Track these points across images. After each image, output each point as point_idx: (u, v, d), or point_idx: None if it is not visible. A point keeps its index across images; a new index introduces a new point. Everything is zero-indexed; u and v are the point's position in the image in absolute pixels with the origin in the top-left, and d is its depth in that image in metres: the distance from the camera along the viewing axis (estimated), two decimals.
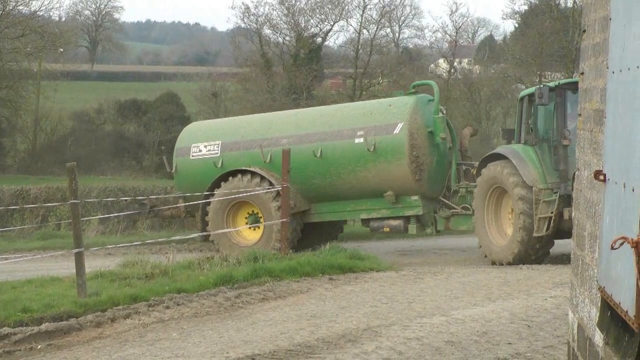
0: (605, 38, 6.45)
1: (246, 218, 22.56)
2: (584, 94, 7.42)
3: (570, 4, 50.65)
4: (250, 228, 22.42)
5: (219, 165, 22.97)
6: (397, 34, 67.36)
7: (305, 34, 55.90)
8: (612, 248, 5.18)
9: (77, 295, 14.40)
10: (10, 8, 52.38)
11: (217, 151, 23.27)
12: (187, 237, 23.41)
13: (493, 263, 19.68)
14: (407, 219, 21.99)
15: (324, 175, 22.15)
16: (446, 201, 22.07)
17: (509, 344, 10.66)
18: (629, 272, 5.12)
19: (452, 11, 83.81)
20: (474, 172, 21.06)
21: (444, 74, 57.30)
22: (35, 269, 18.42)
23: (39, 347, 12.45)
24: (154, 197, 25.92)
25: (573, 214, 7.87)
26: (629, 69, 5.47)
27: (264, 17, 56.36)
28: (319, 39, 57.26)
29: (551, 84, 19.94)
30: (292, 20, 55.98)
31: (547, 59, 51.44)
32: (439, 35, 66.50)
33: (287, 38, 56.46)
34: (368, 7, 57.32)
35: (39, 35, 52.95)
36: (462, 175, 22.36)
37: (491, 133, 51.48)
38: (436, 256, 22.69)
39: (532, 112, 19.75)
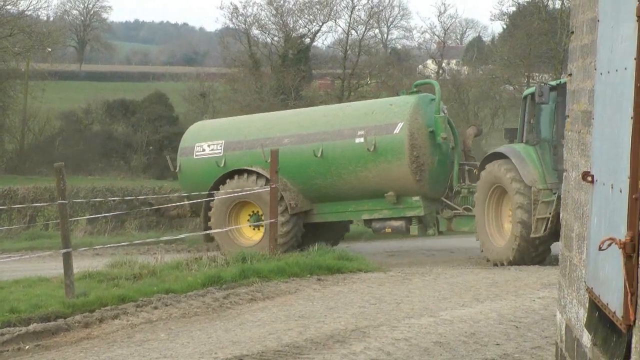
0: (593, 39, 6.47)
1: (249, 218, 22.47)
2: (572, 95, 7.44)
3: (558, 5, 50.83)
4: (252, 228, 22.31)
5: (222, 165, 22.91)
6: (385, 35, 67.48)
7: (293, 34, 55.94)
8: (600, 249, 5.20)
9: (65, 295, 14.37)
10: None
11: (220, 151, 23.21)
12: (176, 237, 23.38)
13: (494, 264, 19.31)
14: (409, 219, 21.82)
15: (325, 176, 22.05)
16: (448, 202, 21.86)
17: (497, 344, 10.68)
18: (616, 272, 5.13)
19: (440, 12, 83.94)
20: (477, 173, 20.84)
21: (432, 75, 57.39)
22: (23, 270, 18.37)
23: (27, 347, 12.43)
24: (154, 196, 25.93)
25: (561, 215, 7.88)
26: (616, 70, 5.49)
27: (252, 18, 56.45)
28: (308, 40, 57.34)
29: (552, 83, 19.61)
30: (281, 21, 56.02)
31: (535, 60, 51.60)
32: (428, 36, 66.84)
33: (276, 38, 56.52)
34: (356, 7, 57.47)
35: (27, 34, 52.88)
36: (466, 176, 22.06)
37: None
38: (424, 257, 22.70)
39: (534, 111, 19.48)
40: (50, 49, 59.74)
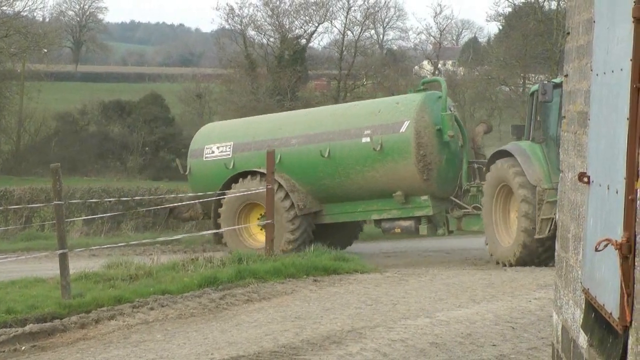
0: (589, 40, 6.48)
1: (258, 219, 22.34)
2: (568, 96, 7.44)
3: (554, 6, 50.87)
4: (260, 229, 22.13)
5: (231, 167, 22.79)
6: (381, 36, 67.55)
7: (289, 35, 55.95)
8: (596, 250, 5.20)
9: (61, 296, 14.36)
10: None
11: (229, 152, 23.07)
12: (172, 238, 23.36)
13: (503, 265, 18.98)
14: (418, 219, 21.58)
15: (332, 176, 21.87)
16: (457, 201, 21.54)
17: (493, 345, 10.68)
18: (613, 273, 5.14)
19: (436, 13, 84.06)
20: (485, 171, 20.41)
21: (428, 76, 57.37)
22: (19, 270, 18.36)
23: (23, 348, 12.42)
24: (172, 196, 26.01)
25: (557, 216, 7.88)
26: (612, 71, 5.50)
27: (248, 19, 56.48)
28: (303, 41, 57.34)
29: (556, 80, 19.11)
30: (277, 22, 56.03)
31: (531, 61, 51.63)
32: (423, 37, 66.92)
33: (272, 39, 56.55)
34: (352, 8, 57.51)
35: (23, 35, 52.82)
36: (477, 174, 21.63)
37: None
38: (420, 258, 22.67)
39: (540, 108, 19.07)
40: (46, 50, 59.74)
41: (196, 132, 25.20)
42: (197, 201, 23.17)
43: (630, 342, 4.89)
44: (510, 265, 18.68)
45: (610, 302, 5.27)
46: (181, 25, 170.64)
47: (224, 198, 22.33)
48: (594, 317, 5.87)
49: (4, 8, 53.89)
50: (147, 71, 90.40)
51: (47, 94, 56.35)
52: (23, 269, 18.70)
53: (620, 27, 5.30)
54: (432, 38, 63.81)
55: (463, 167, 21.62)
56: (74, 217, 26.37)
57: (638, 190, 4.80)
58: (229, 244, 22.17)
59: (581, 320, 6.30)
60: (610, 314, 5.24)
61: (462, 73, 62.47)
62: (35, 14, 66.90)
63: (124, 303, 14.30)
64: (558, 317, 7.50)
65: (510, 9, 56.27)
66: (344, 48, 56.59)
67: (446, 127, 21.12)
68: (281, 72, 52.30)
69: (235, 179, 22.41)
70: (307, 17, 56.81)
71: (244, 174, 22.34)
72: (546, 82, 19.11)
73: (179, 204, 25.16)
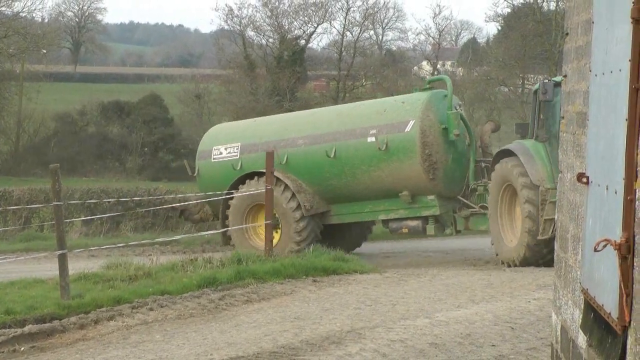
0: (588, 41, 6.48)
1: None
2: (567, 97, 7.44)
3: (552, 6, 50.85)
4: None
5: (238, 168, 22.76)
6: (380, 36, 67.54)
7: (288, 36, 55.93)
8: (595, 250, 5.21)
9: (60, 297, 14.36)
10: None
11: (236, 153, 23.04)
12: (171, 239, 23.36)
13: (507, 265, 18.87)
14: (425, 219, 21.49)
15: (339, 176, 21.80)
16: (464, 200, 21.43)
17: (493, 346, 10.69)
18: (612, 274, 5.14)
19: (435, 14, 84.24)
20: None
21: (427, 77, 57.37)
22: (18, 271, 18.36)
23: (22, 349, 12.42)
24: (185, 194, 26.03)
25: (556, 216, 7.88)
26: (611, 71, 5.50)
27: (247, 19, 56.47)
28: (303, 41, 57.32)
29: (557, 79, 18.79)
30: (276, 22, 56.02)
31: (530, 61, 51.61)
32: (422, 37, 66.85)
33: (271, 40, 56.53)
34: (351, 9, 57.48)
35: (22, 36, 52.81)
36: (485, 173, 21.46)
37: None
38: (420, 258, 22.67)
39: (543, 106, 18.89)
40: (45, 51, 59.71)
41: (204, 134, 25.17)
42: (202, 200, 23.14)
43: (629, 342, 4.89)
44: (515, 265, 18.57)
45: (609, 302, 5.27)
46: (180, 25, 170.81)
47: (232, 199, 22.32)
48: (593, 317, 5.87)
49: (3, 9, 53.96)
50: (146, 72, 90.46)
51: (46, 94, 56.34)
52: (22, 270, 18.70)
53: (619, 28, 5.30)
54: (431, 39, 63.82)
55: (470, 166, 21.49)
56: (73, 217, 26.38)
57: (637, 190, 4.81)
58: (237, 245, 22.14)
59: (580, 321, 6.31)
60: (609, 314, 5.24)
61: (461, 74, 62.40)
62: (34, 15, 66.85)
63: (123, 304, 14.30)
64: (557, 317, 7.50)
65: (509, 10, 56.27)
66: (343, 49, 56.58)
67: (452, 126, 20.96)
68: (280, 72, 52.30)
69: (242, 180, 22.39)
70: (306, 18, 56.84)
71: (251, 175, 22.30)
72: (547, 81, 19.00)
73: (187, 203, 25.14)
